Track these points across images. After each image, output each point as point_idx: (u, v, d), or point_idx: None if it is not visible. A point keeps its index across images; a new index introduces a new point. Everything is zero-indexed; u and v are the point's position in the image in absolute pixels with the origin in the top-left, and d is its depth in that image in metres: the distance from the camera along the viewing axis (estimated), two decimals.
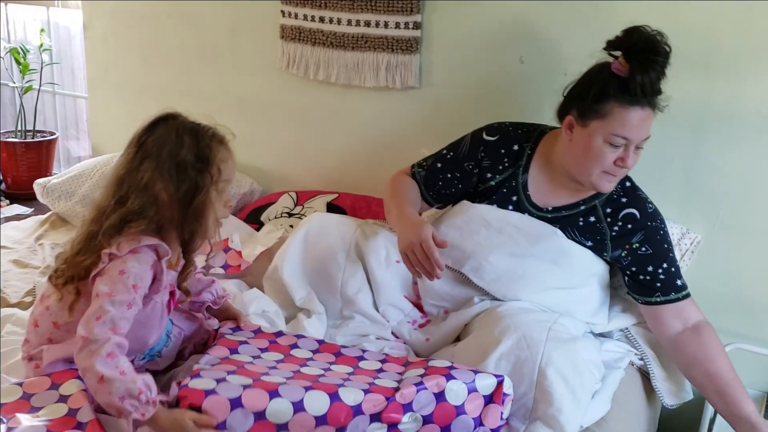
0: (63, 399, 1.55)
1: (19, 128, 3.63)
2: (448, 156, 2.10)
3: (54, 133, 3.72)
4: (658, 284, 1.95)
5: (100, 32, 3.34)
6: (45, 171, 3.58)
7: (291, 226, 2.53)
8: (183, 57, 3.10)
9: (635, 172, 2.01)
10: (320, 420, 1.45)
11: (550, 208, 2.00)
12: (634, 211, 1.96)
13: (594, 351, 1.84)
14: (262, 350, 1.69)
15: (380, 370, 1.65)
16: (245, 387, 1.47)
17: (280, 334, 1.78)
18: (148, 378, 1.48)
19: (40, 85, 3.63)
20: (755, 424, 1.81)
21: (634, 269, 1.97)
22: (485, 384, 1.58)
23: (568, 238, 1.98)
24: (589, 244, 1.98)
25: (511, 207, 2.01)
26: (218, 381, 1.49)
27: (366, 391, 1.51)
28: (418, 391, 1.53)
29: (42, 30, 3.60)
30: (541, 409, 1.66)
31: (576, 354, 1.75)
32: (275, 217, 2.65)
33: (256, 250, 2.32)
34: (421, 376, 1.57)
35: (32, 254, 2.66)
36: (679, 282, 1.96)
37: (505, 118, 2.18)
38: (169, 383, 1.72)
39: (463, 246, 1.98)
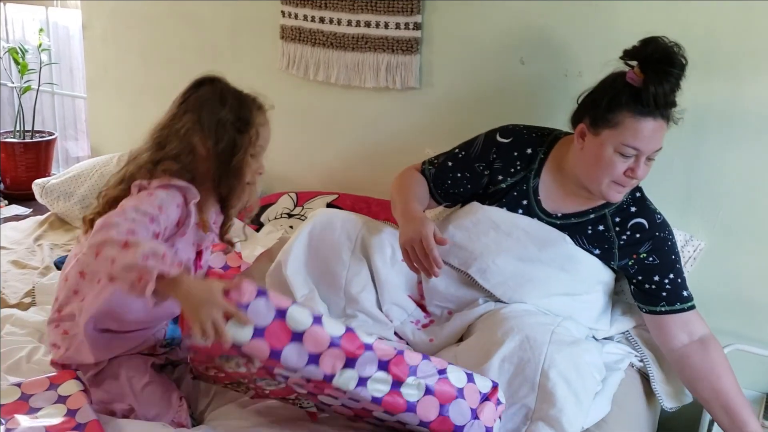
0: (62, 399, 1.56)
1: (18, 128, 3.62)
2: (460, 155, 2.09)
3: (53, 134, 3.71)
4: (664, 294, 1.94)
5: (100, 32, 3.34)
6: (44, 171, 3.57)
7: (291, 226, 2.53)
8: (183, 57, 3.10)
9: None
10: (334, 342, 1.41)
11: (559, 215, 1.99)
12: (643, 221, 1.95)
13: (596, 353, 1.84)
14: None
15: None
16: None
17: None
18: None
19: (38, 85, 3.62)
20: None
21: (640, 278, 1.97)
22: (482, 383, 1.57)
23: (576, 245, 1.97)
24: (597, 251, 1.98)
25: (520, 211, 2.01)
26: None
27: (378, 339, 1.50)
28: (423, 359, 1.52)
29: (41, 30, 3.59)
30: (543, 410, 1.66)
31: (578, 356, 1.75)
32: (275, 218, 2.65)
33: (256, 251, 2.32)
34: (424, 357, 1.56)
35: (31, 255, 2.66)
36: (685, 293, 1.95)
37: (505, 119, 2.18)
38: (184, 375, 1.75)
39: (470, 247, 1.98)
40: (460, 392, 1.53)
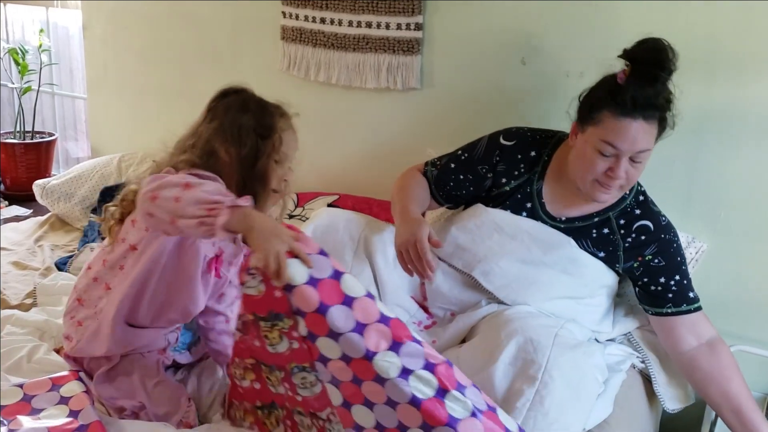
0: (64, 400, 1.56)
1: (18, 129, 3.62)
2: (463, 157, 2.09)
3: (53, 134, 3.71)
4: (670, 295, 1.94)
5: (100, 33, 3.34)
6: (44, 172, 3.57)
7: None
8: (183, 58, 3.10)
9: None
10: (383, 319, 1.38)
11: (563, 219, 1.99)
12: (648, 223, 1.95)
13: (599, 356, 1.84)
14: None
15: None
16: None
17: None
18: None
19: (39, 86, 3.62)
20: None
21: (646, 280, 1.96)
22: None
23: (581, 248, 1.97)
24: (602, 254, 1.98)
25: (524, 214, 2.00)
26: None
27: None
28: (473, 386, 1.42)
29: (41, 30, 3.59)
30: (544, 412, 1.65)
31: (581, 359, 1.75)
32: (275, 219, 2.64)
33: None
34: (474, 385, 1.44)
35: (32, 256, 2.66)
36: (691, 294, 1.95)
37: (506, 120, 2.18)
38: (188, 377, 1.79)
39: (474, 249, 1.98)
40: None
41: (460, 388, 1.38)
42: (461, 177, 2.07)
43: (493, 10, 2.42)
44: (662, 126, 1.81)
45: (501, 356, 1.72)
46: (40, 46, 3.56)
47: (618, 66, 1.83)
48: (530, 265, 1.95)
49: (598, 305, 2.00)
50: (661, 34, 2.15)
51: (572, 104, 1.94)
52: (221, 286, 1.82)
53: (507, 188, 2.02)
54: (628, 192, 1.96)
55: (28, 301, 2.27)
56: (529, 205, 2.00)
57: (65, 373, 1.67)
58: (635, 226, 1.95)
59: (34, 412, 1.52)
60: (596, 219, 1.97)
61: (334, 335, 1.37)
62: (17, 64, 3.58)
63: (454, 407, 1.36)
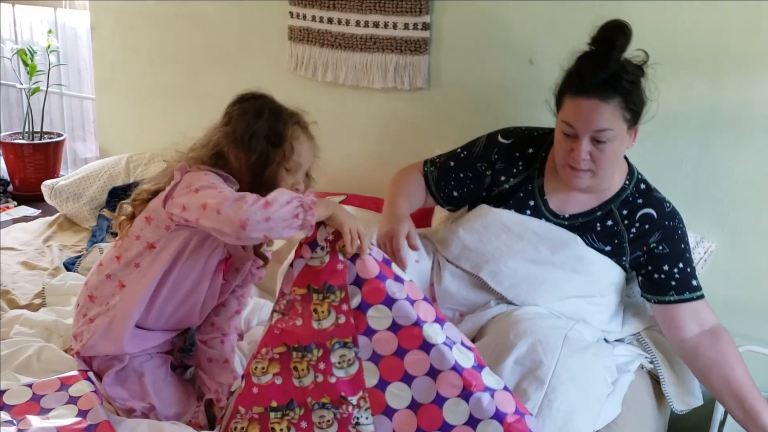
0: (73, 400, 1.56)
1: (27, 130, 3.63)
2: (462, 155, 2.10)
3: (61, 135, 3.72)
4: (673, 282, 1.94)
5: (108, 33, 3.34)
6: (52, 172, 3.58)
7: None
8: (190, 58, 3.10)
9: (643, 172, 2.00)
10: (427, 300, 1.60)
11: (567, 215, 1.99)
12: (651, 211, 1.95)
13: (608, 357, 1.84)
14: None
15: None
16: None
17: None
18: None
19: (47, 87, 3.63)
20: None
21: (649, 268, 1.96)
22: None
23: (587, 244, 1.97)
24: (608, 249, 1.97)
25: (528, 212, 2.00)
26: None
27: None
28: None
29: (49, 31, 3.60)
30: (553, 413, 1.65)
31: (591, 361, 1.75)
32: None
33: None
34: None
35: (40, 256, 2.66)
36: (694, 282, 1.95)
37: (513, 119, 2.18)
38: (195, 378, 1.79)
39: (481, 250, 1.97)
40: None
41: (488, 370, 1.55)
42: (461, 175, 2.08)
43: (500, 9, 2.41)
44: (628, 108, 1.82)
45: (509, 356, 1.72)
46: (49, 46, 3.57)
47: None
48: (539, 264, 1.95)
49: (607, 304, 2.00)
50: (669, 34, 2.16)
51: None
52: (225, 292, 1.82)
53: (506, 186, 2.02)
54: (627, 181, 1.96)
55: (37, 301, 2.27)
56: (532, 203, 2.00)
57: (74, 372, 1.67)
58: (639, 214, 1.95)
59: (43, 411, 1.53)
60: (599, 213, 1.96)
61: (389, 301, 1.54)
62: (26, 64, 3.59)
63: (489, 379, 1.51)
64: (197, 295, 1.73)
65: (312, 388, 1.56)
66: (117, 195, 2.75)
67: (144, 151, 3.11)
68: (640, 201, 1.96)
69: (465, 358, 1.52)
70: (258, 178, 1.67)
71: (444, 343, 1.52)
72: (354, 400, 1.53)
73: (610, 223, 1.96)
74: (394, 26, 2.55)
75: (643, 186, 1.98)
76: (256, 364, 1.60)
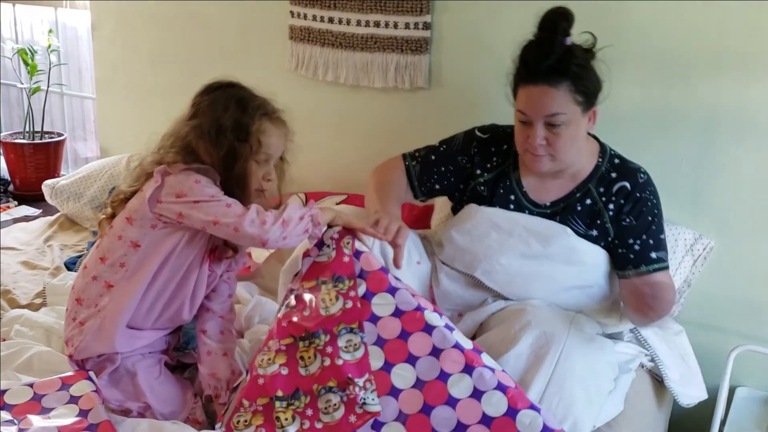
0: (74, 400, 1.56)
1: (27, 129, 3.63)
2: (441, 149, 2.11)
3: (62, 134, 3.73)
4: (632, 256, 1.92)
5: (108, 33, 3.35)
6: (53, 172, 3.59)
7: None
8: (191, 58, 3.11)
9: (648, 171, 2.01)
10: (423, 299, 1.70)
11: (548, 203, 1.99)
12: (626, 183, 1.95)
13: (611, 353, 1.84)
14: None
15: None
16: None
17: None
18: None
19: (48, 86, 3.63)
20: None
21: (616, 242, 1.95)
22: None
23: (574, 231, 1.96)
24: (594, 233, 1.96)
25: (511, 207, 2.01)
26: None
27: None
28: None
29: (50, 31, 3.60)
30: (555, 406, 1.66)
31: (594, 355, 1.75)
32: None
33: (266, 251, 2.32)
34: None
35: (41, 256, 2.67)
36: (654, 254, 1.92)
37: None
38: (195, 376, 1.78)
39: (474, 250, 1.98)
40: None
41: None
42: (443, 168, 2.09)
43: (501, 9, 2.41)
44: (579, 91, 1.82)
45: (513, 349, 1.72)
46: (49, 46, 3.57)
47: (627, 62, 1.84)
48: (531, 259, 1.94)
49: (603, 294, 1.98)
50: (670, 34, 2.16)
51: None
52: (212, 282, 1.82)
53: (481, 180, 2.04)
54: (600, 159, 1.97)
55: (38, 300, 2.28)
56: (512, 197, 2.00)
57: (75, 372, 1.67)
58: (615, 189, 1.95)
59: (44, 411, 1.53)
60: (578, 194, 1.97)
61: (392, 290, 1.65)
62: (26, 64, 3.60)
63: (489, 361, 1.59)
64: (186, 290, 1.73)
65: (319, 373, 1.59)
66: None
67: (144, 150, 3.10)
68: (614, 175, 1.96)
69: (465, 341, 1.62)
70: (228, 172, 1.66)
71: (445, 326, 1.62)
72: (360, 382, 1.57)
73: (589, 202, 1.96)
74: (395, 26, 2.56)
75: (617, 160, 1.98)
76: (262, 357, 1.62)
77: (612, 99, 1.94)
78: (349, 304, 1.63)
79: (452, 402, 1.54)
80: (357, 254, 1.68)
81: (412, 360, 1.59)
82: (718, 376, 2.08)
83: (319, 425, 1.54)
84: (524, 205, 2.00)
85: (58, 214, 3.03)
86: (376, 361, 1.60)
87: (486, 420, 1.52)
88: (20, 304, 2.24)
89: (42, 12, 3.81)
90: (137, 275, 1.68)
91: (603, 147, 2.00)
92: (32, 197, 3.46)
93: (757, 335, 2.20)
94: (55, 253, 2.66)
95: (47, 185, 3.05)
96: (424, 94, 2.61)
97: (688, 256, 2.19)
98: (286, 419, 1.57)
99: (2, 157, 3.67)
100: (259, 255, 2.32)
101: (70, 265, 2.51)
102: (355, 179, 2.78)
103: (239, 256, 1.83)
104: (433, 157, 2.10)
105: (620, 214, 1.94)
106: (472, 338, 1.92)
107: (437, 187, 2.11)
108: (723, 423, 2.09)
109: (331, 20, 2.67)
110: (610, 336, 2.04)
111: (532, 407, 1.54)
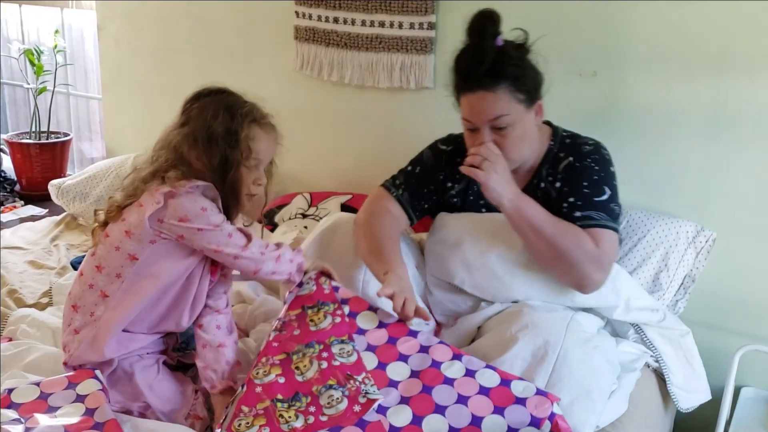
0: (80, 398, 1.56)
1: (34, 129, 3.64)
2: (417, 170, 2.08)
3: (68, 134, 3.74)
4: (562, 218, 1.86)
5: (114, 33, 3.36)
6: (59, 172, 3.60)
7: (305, 227, 2.53)
8: (196, 58, 3.11)
9: (649, 171, 2.00)
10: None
11: None
12: (570, 158, 1.93)
13: (611, 351, 1.83)
14: None
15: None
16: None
17: None
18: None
19: (54, 87, 3.64)
20: None
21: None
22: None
23: None
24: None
25: (483, 210, 2.01)
26: None
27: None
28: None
29: (56, 31, 3.62)
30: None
31: (593, 354, 1.74)
32: (289, 218, 2.65)
33: None
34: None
35: (47, 255, 2.68)
36: (578, 213, 1.84)
37: None
38: (196, 376, 1.79)
39: (450, 258, 1.95)
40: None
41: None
42: (425, 190, 2.06)
43: (504, 9, 2.39)
44: (520, 90, 1.81)
45: (510, 351, 1.71)
46: (56, 47, 3.59)
47: (628, 64, 1.83)
48: (515, 256, 1.91)
49: None
50: (673, 33, 2.16)
51: (586, 104, 1.94)
52: (211, 287, 1.82)
53: (453, 192, 2.03)
54: (552, 142, 1.96)
55: (44, 300, 2.29)
56: (482, 201, 1.99)
57: (81, 371, 1.67)
58: (561, 167, 1.93)
59: (51, 410, 1.53)
60: (534, 182, 1.96)
61: (373, 309, 1.78)
62: (33, 64, 3.61)
63: (471, 359, 1.67)
64: (185, 300, 1.73)
65: (317, 377, 1.62)
66: None
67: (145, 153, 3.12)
68: (562, 155, 1.95)
69: (446, 344, 1.73)
70: (222, 180, 1.67)
71: (428, 332, 1.76)
72: (360, 377, 1.62)
73: (543, 185, 1.95)
74: (400, 26, 2.56)
75: (568, 140, 1.97)
76: (257, 370, 1.64)
77: (618, 98, 1.94)
78: (338, 320, 1.75)
79: (449, 381, 1.62)
80: (335, 288, 1.82)
81: (403, 358, 1.67)
82: (723, 376, 2.08)
83: (324, 418, 1.55)
84: (494, 206, 1.97)
85: (64, 214, 3.04)
86: (370, 362, 1.66)
87: (484, 390, 1.59)
88: (27, 304, 2.25)
89: (48, 13, 3.82)
90: (134, 288, 1.68)
91: (554, 129, 1.99)
92: (38, 197, 3.47)
93: (762, 335, 2.20)
94: (61, 252, 2.67)
95: (53, 185, 3.06)
96: (430, 94, 2.61)
97: (691, 248, 2.18)
98: (290, 417, 1.58)
99: (9, 157, 3.68)
100: None
101: (76, 265, 2.52)
102: (361, 179, 2.79)
103: None
104: (414, 181, 2.07)
105: (563, 187, 1.92)
106: (469, 343, 1.92)
107: (426, 206, 2.08)
108: (728, 423, 2.09)
109: (336, 20, 2.67)
110: (615, 334, 2.04)
111: (522, 379, 1.62)
